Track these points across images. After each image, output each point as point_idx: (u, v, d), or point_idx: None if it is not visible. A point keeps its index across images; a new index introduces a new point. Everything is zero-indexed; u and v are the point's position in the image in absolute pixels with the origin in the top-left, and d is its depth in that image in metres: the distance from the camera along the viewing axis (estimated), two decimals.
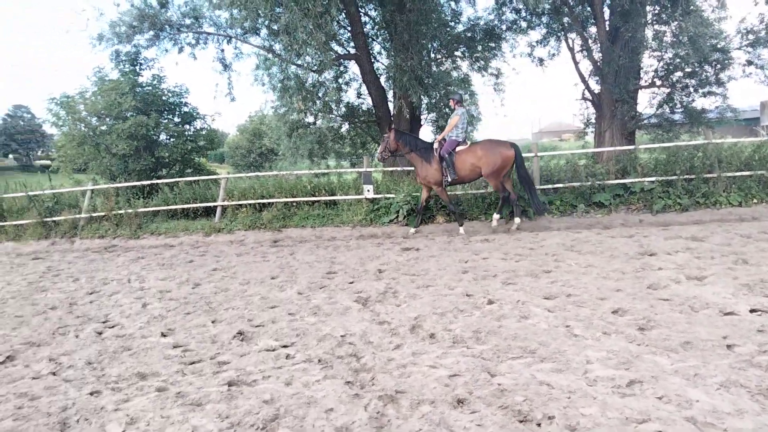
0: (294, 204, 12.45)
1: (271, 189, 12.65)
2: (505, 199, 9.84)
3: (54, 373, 4.03)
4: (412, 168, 13.96)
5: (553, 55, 15.69)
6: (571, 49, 14.56)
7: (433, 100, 14.19)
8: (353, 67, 16.77)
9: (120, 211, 12.40)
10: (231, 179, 13.30)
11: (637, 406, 2.94)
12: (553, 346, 3.90)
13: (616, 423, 2.79)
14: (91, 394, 3.59)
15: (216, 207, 12.57)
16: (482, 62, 17.22)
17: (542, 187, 11.00)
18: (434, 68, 14.23)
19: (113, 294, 6.71)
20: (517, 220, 9.88)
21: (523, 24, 15.30)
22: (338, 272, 7.24)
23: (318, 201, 12.47)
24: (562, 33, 15.08)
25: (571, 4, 12.52)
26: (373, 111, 15.49)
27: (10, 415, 3.32)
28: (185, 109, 14.32)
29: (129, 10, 12.47)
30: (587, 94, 14.48)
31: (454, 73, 16.97)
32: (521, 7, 14.66)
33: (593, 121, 15.19)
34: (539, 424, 2.85)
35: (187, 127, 14.30)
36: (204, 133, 14.58)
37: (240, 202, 12.33)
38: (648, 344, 3.82)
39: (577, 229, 9.63)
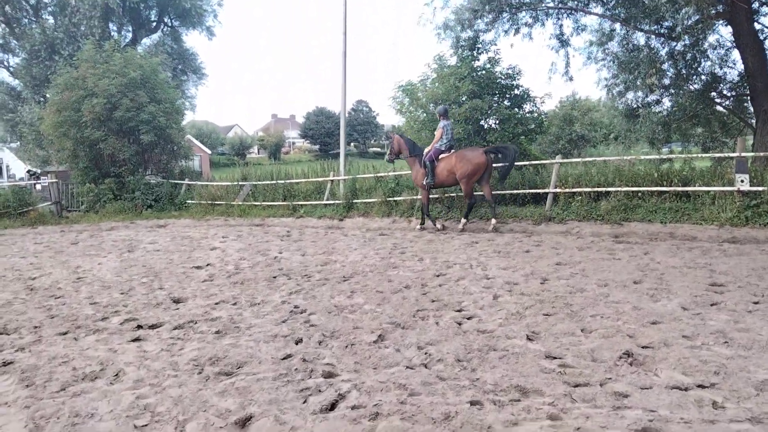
0: (638, 194, 10.77)
1: (610, 176, 11.21)
2: (470, 206, 11.19)
3: (426, 366, 3.77)
4: None
5: None
6: None
7: None
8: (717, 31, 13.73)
9: (452, 194, 12.73)
10: (561, 165, 12.27)
11: None
12: None
13: None
14: (472, 403, 3.12)
15: (545, 194, 11.80)
16: None
17: None
18: None
19: (459, 279, 6.53)
20: (493, 221, 10.88)
21: None
22: (727, 285, 5.62)
23: (667, 192, 10.51)
24: None
25: None
26: (746, 82, 12.34)
27: (396, 410, 3.07)
28: (516, 92, 13.88)
29: None
30: None
31: None
32: None
33: None
34: None
35: (517, 110, 13.86)
36: (534, 116, 13.93)
37: (573, 190, 11.27)
38: None
39: None
